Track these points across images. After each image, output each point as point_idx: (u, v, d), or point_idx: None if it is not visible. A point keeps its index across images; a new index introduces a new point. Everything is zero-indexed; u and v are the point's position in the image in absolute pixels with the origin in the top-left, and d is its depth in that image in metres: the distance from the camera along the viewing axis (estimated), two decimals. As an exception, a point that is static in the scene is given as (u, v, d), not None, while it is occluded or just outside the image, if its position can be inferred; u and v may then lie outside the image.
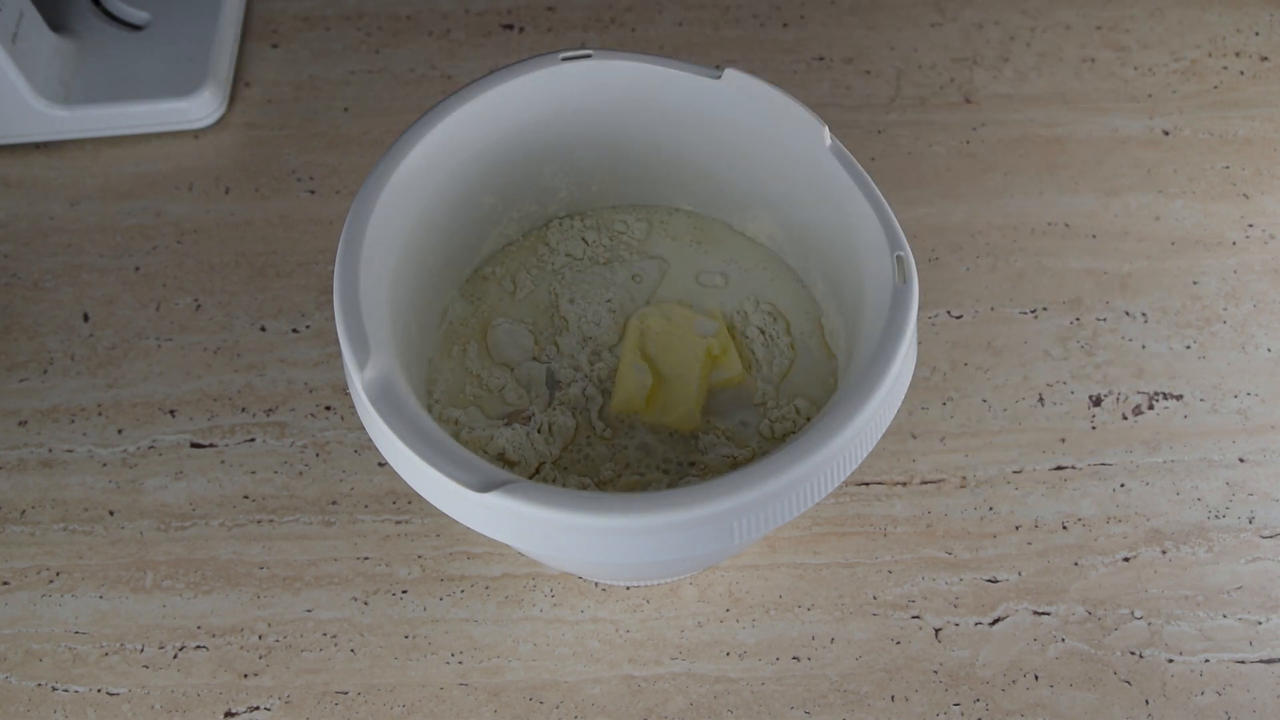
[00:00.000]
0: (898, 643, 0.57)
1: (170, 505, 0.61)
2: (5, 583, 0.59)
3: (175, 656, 0.57)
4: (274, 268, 0.69)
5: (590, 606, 0.58)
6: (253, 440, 0.63)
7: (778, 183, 0.55)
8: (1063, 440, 0.62)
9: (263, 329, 0.67)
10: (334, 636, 0.57)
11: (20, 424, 0.64)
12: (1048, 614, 0.57)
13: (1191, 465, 0.61)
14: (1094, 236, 0.69)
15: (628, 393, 0.53)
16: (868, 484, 0.61)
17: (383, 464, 0.62)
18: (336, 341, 0.51)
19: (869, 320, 0.48)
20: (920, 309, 0.65)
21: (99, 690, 0.56)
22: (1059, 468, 0.61)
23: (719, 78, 0.53)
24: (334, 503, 0.61)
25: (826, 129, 0.51)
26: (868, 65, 0.76)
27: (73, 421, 0.64)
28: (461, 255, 0.57)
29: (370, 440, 0.58)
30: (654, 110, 0.55)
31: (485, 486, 0.42)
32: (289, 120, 0.75)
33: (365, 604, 0.58)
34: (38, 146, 0.74)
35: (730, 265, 0.58)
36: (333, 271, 0.49)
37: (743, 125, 0.54)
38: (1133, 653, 0.56)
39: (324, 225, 0.70)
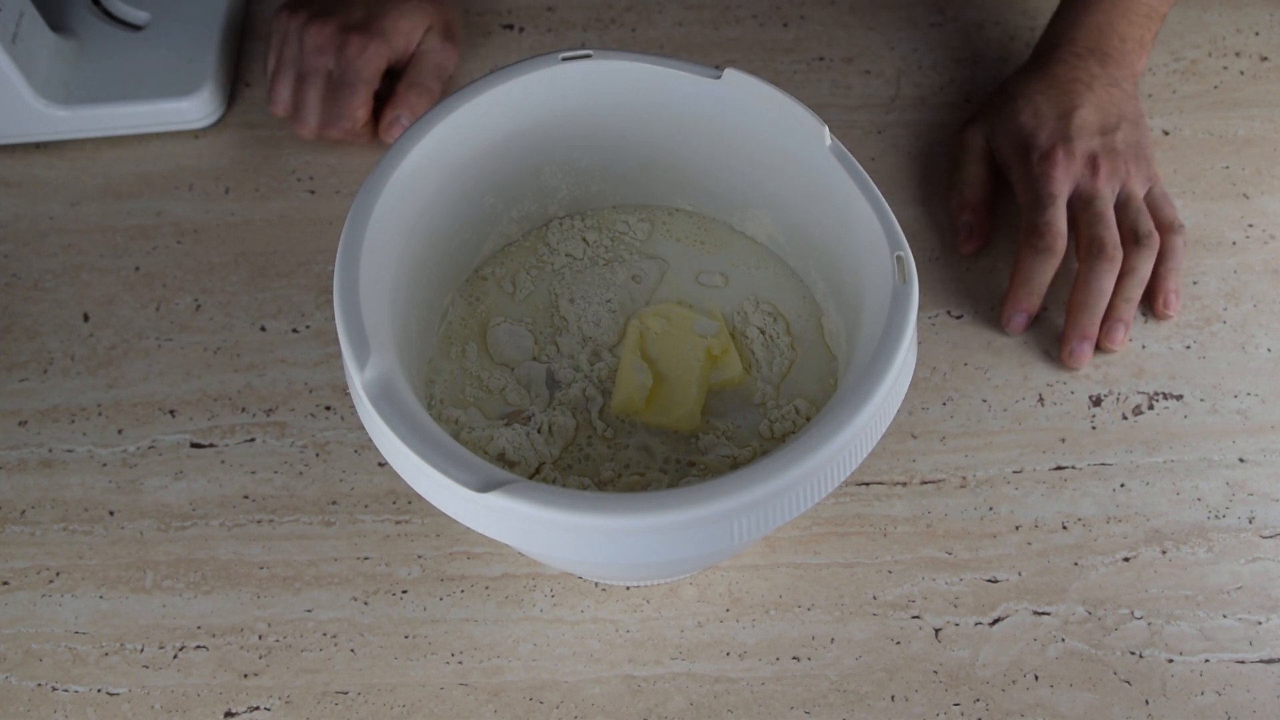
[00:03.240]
0: (898, 643, 0.57)
1: (170, 505, 0.61)
2: (5, 583, 0.59)
3: (175, 656, 0.57)
4: (274, 268, 0.69)
5: (590, 606, 0.58)
6: (253, 440, 0.63)
7: (778, 183, 0.55)
8: (1063, 440, 0.62)
9: (263, 329, 0.67)
10: (334, 636, 0.57)
11: (20, 424, 0.64)
12: (1048, 614, 0.57)
13: (1191, 465, 0.61)
14: (1094, 236, 0.69)
15: (628, 393, 0.53)
16: (868, 484, 0.61)
17: (383, 464, 0.62)
18: (336, 341, 0.51)
19: (869, 320, 0.48)
20: (920, 309, 0.65)
21: (99, 690, 0.56)
22: (1059, 468, 0.61)
23: (719, 78, 0.53)
24: (334, 503, 0.61)
25: (826, 129, 0.51)
26: (868, 65, 0.76)
27: (73, 421, 0.64)
28: (461, 255, 0.57)
29: (370, 440, 0.58)
30: (654, 110, 0.55)
31: (485, 486, 0.42)
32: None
33: (365, 604, 0.58)
34: (38, 146, 0.74)
35: (730, 265, 0.58)
36: (333, 271, 0.49)
37: (743, 125, 0.54)
38: (1133, 653, 0.56)
39: (324, 225, 0.70)
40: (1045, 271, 0.64)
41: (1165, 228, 0.65)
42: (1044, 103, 0.67)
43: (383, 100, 0.72)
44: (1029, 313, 0.64)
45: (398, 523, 0.60)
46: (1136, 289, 0.64)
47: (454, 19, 0.75)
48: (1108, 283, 0.63)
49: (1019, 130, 0.66)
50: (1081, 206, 0.64)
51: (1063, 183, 0.64)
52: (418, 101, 0.71)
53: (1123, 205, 0.65)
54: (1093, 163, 0.65)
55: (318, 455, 0.62)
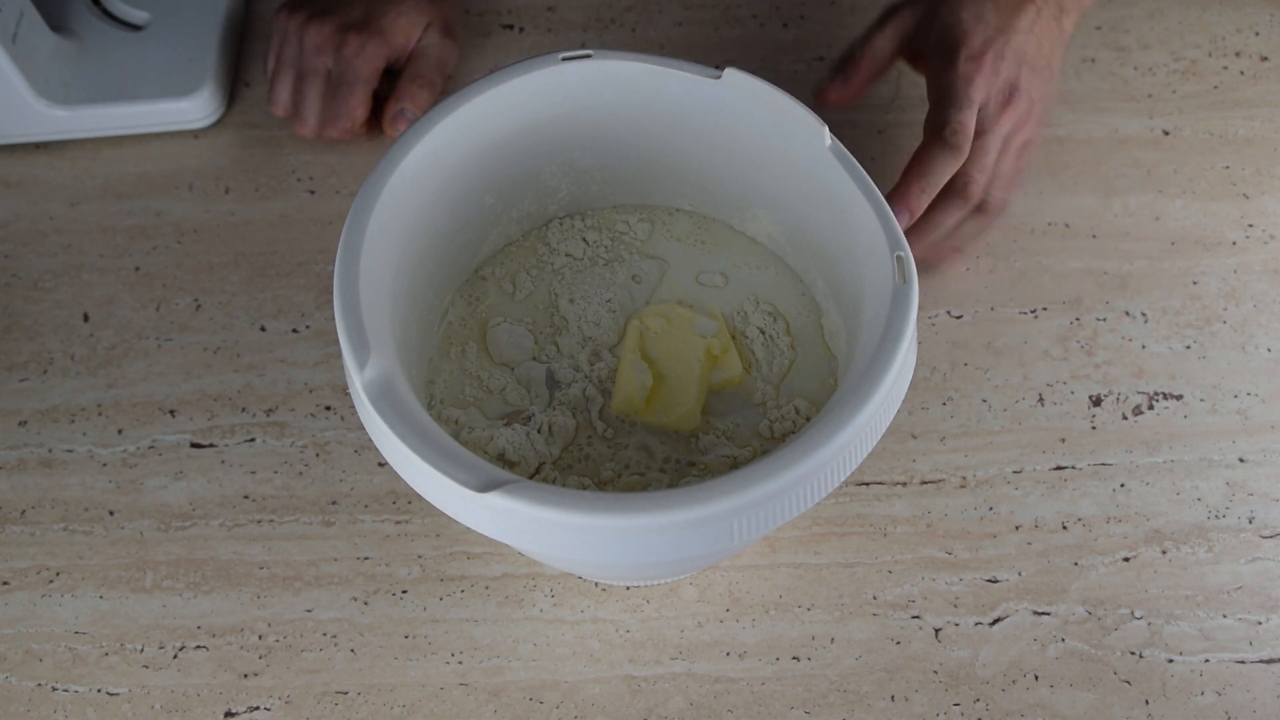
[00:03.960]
0: (898, 643, 0.57)
1: (170, 505, 0.61)
2: (5, 583, 0.59)
3: (175, 656, 0.57)
4: (274, 268, 0.69)
5: (590, 606, 0.58)
6: (253, 440, 0.63)
7: (778, 183, 0.55)
8: (1063, 440, 0.62)
9: (263, 329, 0.67)
10: (334, 636, 0.57)
11: (20, 424, 0.64)
12: (1048, 614, 0.57)
13: (1191, 465, 0.61)
14: (1094, 236, 0.69)
15: (628, 393, 0.53)
16: (868, 484, 0.61)
17: (383, 464, 0.62)
18: (336, 341, 0.51)
19: (869, 320, 0.48)
20: (920, 309, 0.65)
21: (99, 690, 0.56)
22: (1059, 468, 0.61)
23: (719, 78, 0.53)
24: (334, 503, 0.61)
25: (826, 129, 0.51)
26: (868, 65, 0.76)
27: (73, 421, 0.64)
28: (461, 255, 0.57)
29: (370, 440, 0.58)
30: (654, 110, 0.55)
31: (485, 486, 0.42)
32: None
33: (365, 604, 0.58)
34: (38, 146, 0.74)
35: (730, 265, 0.58)
36: (333, 271, 0.49)
37: (743, 125, 0.54)
38: (1133, 653, 0.56)
39: (324, 225, 0.70)
40: (946, 171, 0.60)
41: (995, 204, 0.63)
42: (990, 8, 0.64)
43: (383, 100, 0.72)
44: (914, 213, 0.60)
45: (398, 523, 0.60)
46: (944, 234, 0.63)
47: (453, 17, 0.75)
48: (944, 178, 0.60)
49: (957, 25, 0.63)
50: (976, 131, 0.62)
51: (981, 90, 0.62)
52: (420, 94, 0.71)
53: (999, 157, 0.62)
54: (1009, 92, 0.62)
55: (318, 455, 0.62)
